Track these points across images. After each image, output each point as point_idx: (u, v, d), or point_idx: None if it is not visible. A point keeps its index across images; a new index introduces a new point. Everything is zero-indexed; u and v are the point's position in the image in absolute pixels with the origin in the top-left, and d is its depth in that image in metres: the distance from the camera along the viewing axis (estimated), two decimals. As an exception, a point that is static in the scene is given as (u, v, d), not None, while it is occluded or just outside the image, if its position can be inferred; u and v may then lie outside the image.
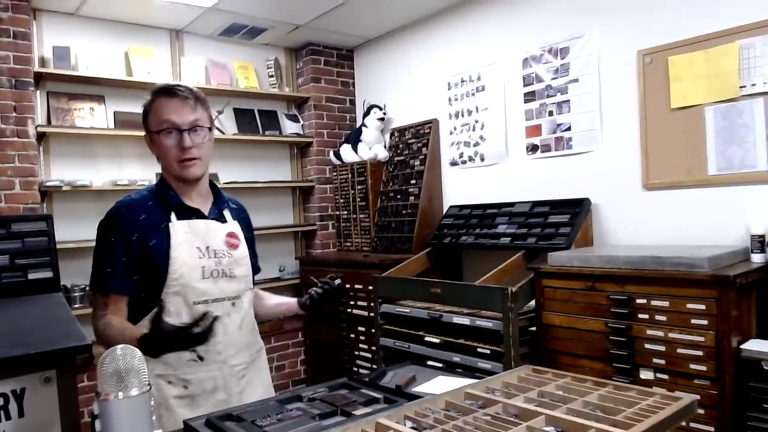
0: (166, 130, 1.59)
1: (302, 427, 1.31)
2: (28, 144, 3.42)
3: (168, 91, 1.61)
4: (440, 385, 1.65)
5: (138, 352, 0.99)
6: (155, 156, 1.68)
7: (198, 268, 1.61)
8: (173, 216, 1.64)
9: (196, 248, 1.63)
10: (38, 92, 3.69)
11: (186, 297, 1.60)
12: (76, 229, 3.76)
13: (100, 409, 0.95)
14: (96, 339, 1.66)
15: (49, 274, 2.57)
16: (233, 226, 1.75)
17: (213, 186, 1.80)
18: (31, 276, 2.56)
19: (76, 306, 3.56)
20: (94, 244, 3.92)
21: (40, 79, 3.65)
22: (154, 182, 1.78)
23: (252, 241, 1.88)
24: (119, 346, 0.98)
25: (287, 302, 1.92)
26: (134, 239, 1.59)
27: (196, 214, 1.68)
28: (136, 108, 3.97)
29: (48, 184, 3.55)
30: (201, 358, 1.61)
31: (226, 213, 1.77)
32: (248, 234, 1.84)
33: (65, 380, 1.84)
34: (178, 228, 1.63)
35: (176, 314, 1.59)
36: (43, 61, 3.71)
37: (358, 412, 1.38)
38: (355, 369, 3.96)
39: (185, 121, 1.59)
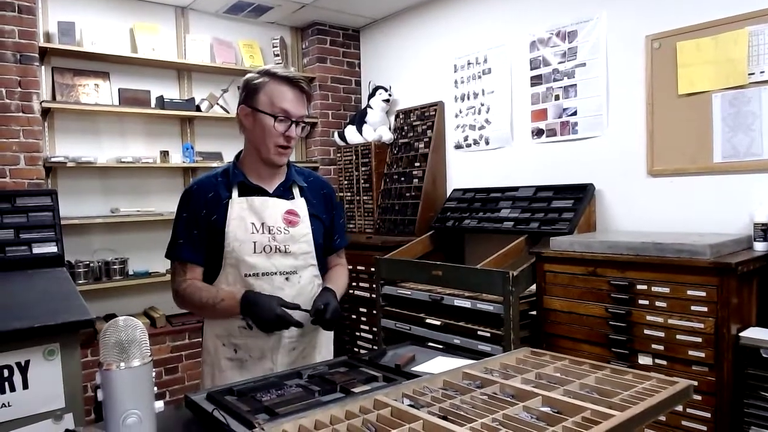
0: (279, 116, 1.67)
1: (302, 402, 1.33)
2: (33, 119, 3.42)
3: (291, 81, 1.70)
4: (439, 365, 1.66)
5: (140, 324, 1.00)
6: (244, 129, 1.76)
7: (249, 243, 1.70)
8: (234, 193, 1.74)
9: (251, 224, 1.71)
10: (43, 68, 3.68)
11: (239, 269, 1.70)
12: (80, 206, 3.78)
13: (102, 379, 0.97)
14: (178, 302, 1.78)
15: (53, 248, 2.60)
16: (296, 203, 1.79)
17: (288, 164, 1.86)
18: (36, 250, 2.59)
19: (81, 282, 3.58)
20: (97, 220, 3.95)
21: (44, 54, 3.64)
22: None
23: (332, 217, 1.92)
24: (122, 318, 1.00)
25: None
26: (203, 214, 1.73)
27: (258, 191, 1.76)
28: (141, 85, 4.02)
29: (53, 159, 3.55)
30: (250, 326, 1.71)
31: (295, 190, 1.82)
32: (327, 210, 1.89)
33: (68, 353, 1.87)
34: (235, 204, 1.72)
35: (232, 284, 1.72)
36: (48, 37, 3.69)
37: (357, 390, 1.40)
38: (356, 350, 3.99)
39: (298, 114, 1.70)
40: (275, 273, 1.72)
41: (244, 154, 1.81)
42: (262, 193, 1.77)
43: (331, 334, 1.94)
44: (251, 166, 1.78)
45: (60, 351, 1.86)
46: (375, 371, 1.54)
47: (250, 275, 1.70)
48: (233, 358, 1.74)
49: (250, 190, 1.76)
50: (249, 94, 1.72)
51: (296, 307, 1.65)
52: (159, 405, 1.02)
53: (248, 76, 1.75)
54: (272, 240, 1.72)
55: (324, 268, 1.91)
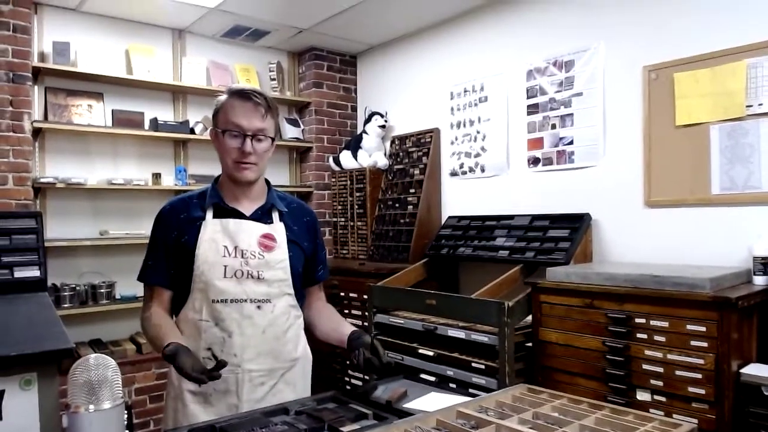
0: (232, 131, 1.62)
1: (287, 442, 1.27)
2: (24, 139, 3.37)
3: (243, 95, 1.64)
4: (432, 401, 1.60)
5: (112, 363, 0.94)
6: (217, 152, 1.72)
7: (219, 267, 1.62)
8: (209, 214, 1.68)
9: (223, 247, 1.64)
10: (36, 87, 3.65)
11: (207, 294, 1.63)
12: (69, 228, 3.72)
13: (68, 423, 0.90)
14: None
15: (36, 273, 2.51)
16: (274, 228, 1.72)
17: (269, 188, 1.80)
18: (18, 274, 2.50)
19: (66, 306, 3.50)
20: (85, 243, 3.89)
21: (38, 74, 3.61)
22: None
23: (315, 246, 1.85)
24: (93, 356, 0.93)
25: (340, 335, 1.78)
26: (173, 236, 1.68)
27: (233, 214, 1.69)
28: (135, 107, 4.00)
29: (42, 180, 3.50)
30: (216, 357, 1.62)
31: (274, 215, 1.75)
32: (310, 239, 1.82)
33: (46, 383, 1.79)
34: (208, 226, 1.66)
35: (199, 310, 1.64)
36: (42, 56, 3.67)
37: (345, 429, 1.34)
38: (347, 379, 3.90)
39: (252, 127, 1.62)
40: (245, 300, 1.64)
41: (222, 177, 1.76)
42: (238, 215, 1.70)
43: (309, 370, 1.86)
44: (228, 188, 1.72)
45: (37, 381, 1.78)
46: (365, 408, 1.48)
47: (218, 301, 1.62)
48: (197, 392, 1.64)
49: (225, 212, 1.69)
50: (213, 116, 1.70)
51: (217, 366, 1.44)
52: (131, 450, 0.95)
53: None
54: (244, 265, 1.64)
55: (303, 300, 1.82)
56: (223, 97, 1.68)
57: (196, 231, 1.66)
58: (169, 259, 1.68)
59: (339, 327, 1.81)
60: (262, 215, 1.73)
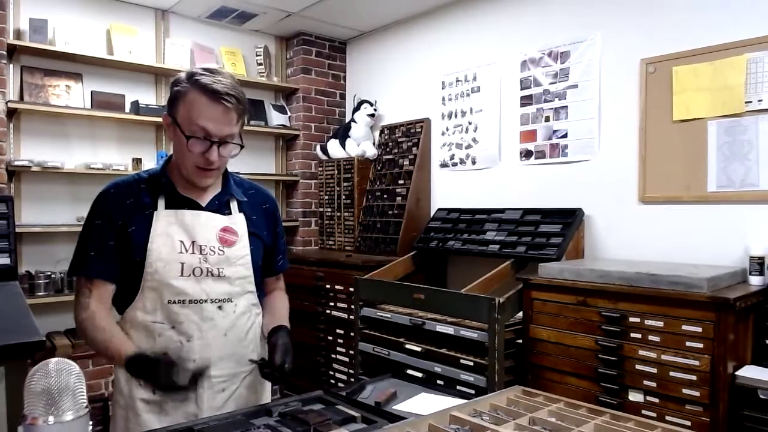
0: (197, 136, 1.43)
1: (269, 449, 1.19)
2: (-3, 120, 3.23)
3: (214, 94, 1.41)
4: (423, 403, 1.54)
5: (76, 368, 0.84)
6: (170, 140, 1.53)
7: (176, 264, 1.47)
8: (161, 204, 1.51)
9: (179, 242, 1.48)
10: (11, 66, 3.50)
11: (162, 294, 1.48)
12: (45, 213, 3.59)
13: (24, 436, 0.80)
14: (77, 330, 1.51)
15: (6, 260, 2.40)
16: (234, 219, 1.58)
17: (225, 174, 1.63)
18: (-14, 262, 2.39)
19: (41, 294, 3.37)
20: (62, 229, 3.72)
21: (13, 51, 3.45)
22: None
23: (275, 235, 1.72)
24: (54, 360, 0.83)
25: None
26: (120, 224, 1.49)
27: (189, 204, 1.53)
28: (116, 89, 3.86)
29: (16, 163, 3.36)
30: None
31: (232, 205, 1.60)
32: (269, 228, 1.69)
33: (15, 378, 1.69)
34: (161, 218, 1.49)
35: (152, 311, 1.48)
36: (18, 34, 3.51)
37: (332, 434, 1.26)
38: (332, 373, 3.82)
39: (220, 134, 1.44)
40: (206, 300, 1.49)
41: (173, 161, 1.55)
42: (193, 206, 1.53)
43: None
44: (180, 175, 1.52)
45: (5, 376, 1.68)
46: (353, 410, 1.41)
47: (174, 302, 1.47)
48: (150, 401, 1.48)
49: (178, 201, 1.52)
50: (171, 100, 1.48)
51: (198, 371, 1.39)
52: (96, 464, 0.86)
53: (176, 76, 1.49)
54: (203, 262, 1.49)
55: (261, 291, 1.68)
56: (185, 85, 1.44)
57: (145, 222, 1.48)
58: (117, 249, 1.49)
59: (270, 324, 1.64)
60: (219, 206, 1.58)
